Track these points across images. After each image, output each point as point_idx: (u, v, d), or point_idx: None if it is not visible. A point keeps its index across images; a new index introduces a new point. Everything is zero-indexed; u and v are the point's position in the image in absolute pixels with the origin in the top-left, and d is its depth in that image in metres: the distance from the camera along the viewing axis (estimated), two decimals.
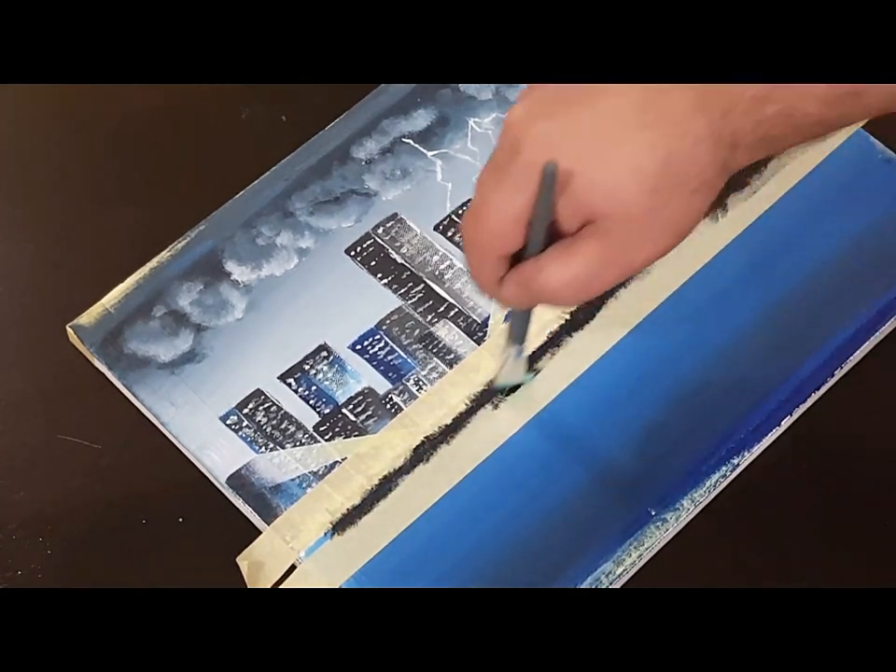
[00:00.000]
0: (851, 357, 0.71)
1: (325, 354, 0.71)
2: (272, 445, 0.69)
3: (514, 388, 0.70)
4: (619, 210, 0.53)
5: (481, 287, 0.58)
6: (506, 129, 0.54)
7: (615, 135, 0.52)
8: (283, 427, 0.69)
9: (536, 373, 0.70)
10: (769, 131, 0.53)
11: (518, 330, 0.64)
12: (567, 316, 0.71)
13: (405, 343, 0.71)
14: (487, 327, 0.72)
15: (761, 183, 0.75)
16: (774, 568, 0.67)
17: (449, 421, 0.69)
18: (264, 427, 0.69)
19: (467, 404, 0.69)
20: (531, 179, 0.53)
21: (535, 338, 0.71)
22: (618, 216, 0.53)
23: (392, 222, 0.75)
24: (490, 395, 0.69)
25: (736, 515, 0.68)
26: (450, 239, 0.74)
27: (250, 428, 0.69)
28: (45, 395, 0.72)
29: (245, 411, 0.70)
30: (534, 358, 0.70)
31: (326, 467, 0.68)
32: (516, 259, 0.56)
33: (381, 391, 0.70)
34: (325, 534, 0.66)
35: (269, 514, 0.67)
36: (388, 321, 0.72)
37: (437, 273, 0.73)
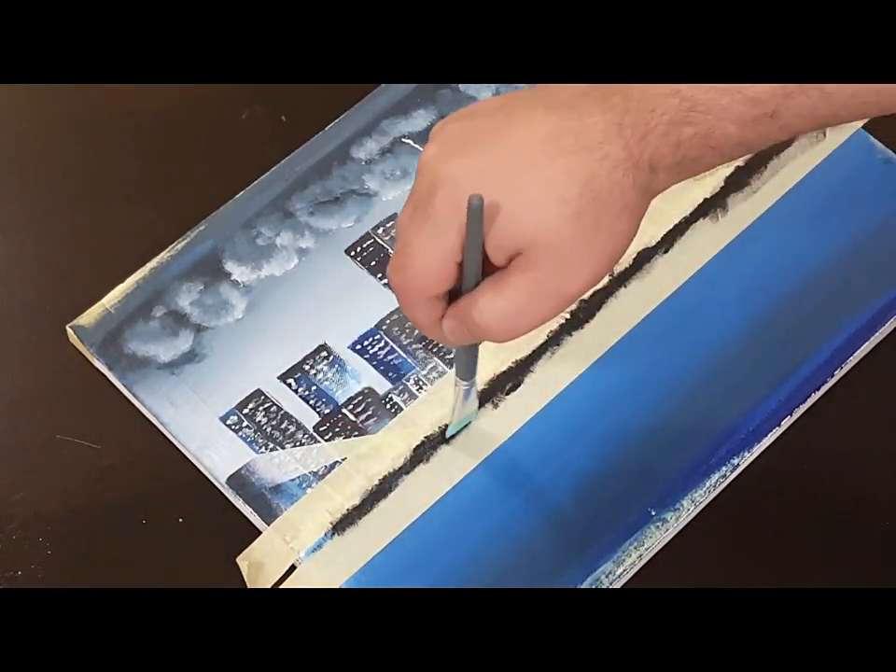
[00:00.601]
0: (851, 358, 0.71)
1: (325, 354, 0.71)
2: (272, 445, 0.69)
3: (464, 428, 0.69)
4: (544, 240, 0.52)
5: (423, 330, 0.57)
6: (421, 171, 0.54)
7: (532, 165, 0.52)
8: (283, 427, 0.69)
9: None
10: (687, 153, 0.53)
11: (466, 367, 0.63)
12: (567, 316, 0.71)
13: (405, 342, 0.71)
14: None
15: (761, 183, 0.75)
16: (773, 568, 0.67)
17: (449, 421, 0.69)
18: (264, 428, 0.69)
19: (475, 409, 0.69)
20: (453, 219, 0.52)
21: (533, 339, 0.71)
22: (544, 246, 0.52)
23: (392, 222, 0.75)
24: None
25: (736, 515, 0.68)
26: None
27: (250, 428, 0.69)
28: (45, 395, 0.72)
29: (245, 411, 0.70)
30: (532, 359, 0.70)
31: (326, 467, 0.68)
32: (454, 295, 0.55)
33: (381, 391, 0.70)
34: (325, 534, 0.66)
35: (269, 514, 0.67)
36: (388, 321, 0.72)
37: None
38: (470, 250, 0.53)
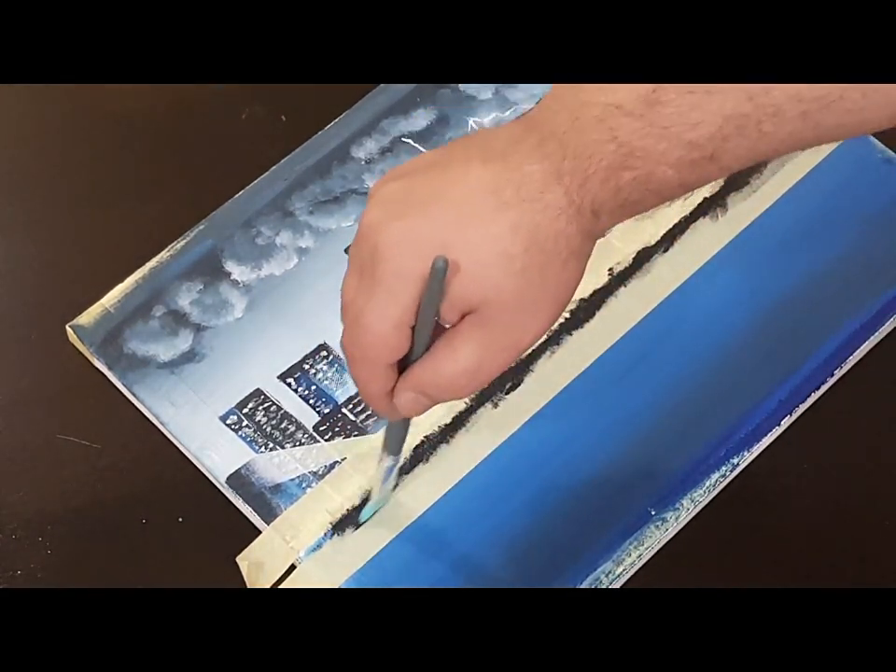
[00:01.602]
0: (851, 357, 0.71)
1: (325, 353, 0.71)
2: (271, 445, 0.69)
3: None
4: (493, 297, 0.52)
5: (371, 403, 0.56)
6: (362, 236, 0.53)
7: (475, 222, 0.51)
8: (283, 426, 0.69)
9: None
10: (628, 197, 0.52)
11: (397, 440, 0.62)
12: (567, 315, 0.72)
13: None
14: None
15: (760, 183, 0.76)
16: (774, 568, 0.67)
17: (449, 420, 0.69)
18: (264, 427, 0.69)
19: (467, 403, 0.69)
20: (402, 284, 0.52)
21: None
22: (493, 302, 0.52)
23: None
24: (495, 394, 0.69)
25: (736, 515, 0.68)
26: None
27: (250, 428, 0.69)
28: (45, 395, 0.72)
29: (245, 410, 0.70)
30: (532, 358, 0.70)
31: (325, 467, 0.68)
32: (401, 366, 0.55)
33: None
34: (325, 534, 0.66)
35: (268, 514, 0.67)
36: None
37: None
38: (427, 313, 0.52)
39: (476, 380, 0.54)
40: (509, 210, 0.51)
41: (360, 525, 0.66)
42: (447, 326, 0.53)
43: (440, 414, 0.69)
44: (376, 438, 0.69)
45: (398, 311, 0.52)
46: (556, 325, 0.71)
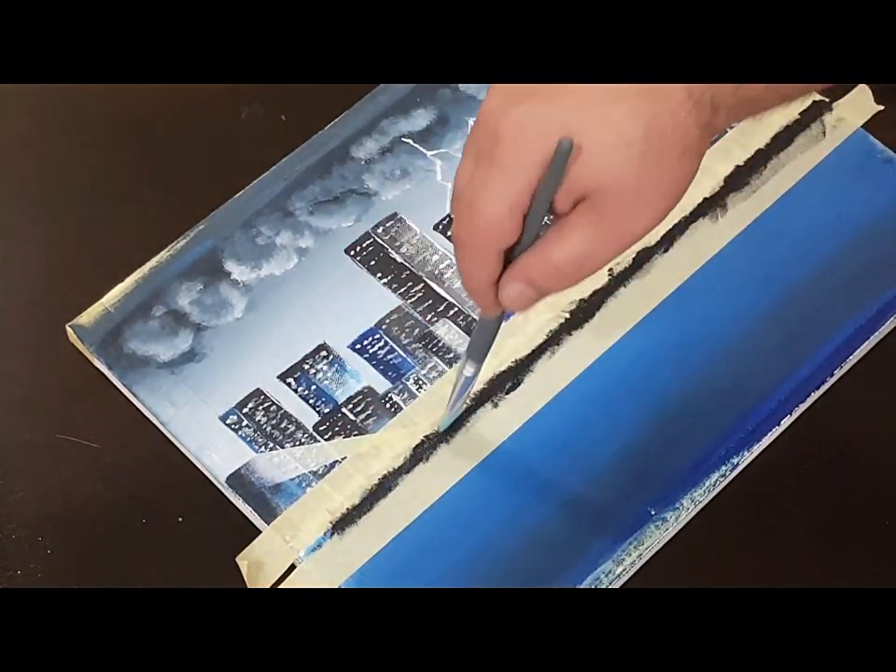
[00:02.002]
0: (851, 357, 0.71)
1: (325, 353, 0.71)
2: (271, 445, 0.69)
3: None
4: (609, 182, 0.52)
5: (475, 295, 0.56)
6: (482, 120, 0.54)
7: (596, 108, 0.52)
8: (283, 426, 0.69)
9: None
10: (748, 93, 0.53)
11: (482, 347, 0.62)
12: (567, 315, 0.72)
13: (405, 342, 0.71)
14: None
15: (760, 183, 0.76)
16: (774, 568, 0.67)
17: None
18: (264, 427, 0.69)
19: (467, 403, 0.69)
20: (523, 165, 0.52)
21: (533, 338, 0.71)
22: (609, 188, 0.52)
23: (392, 222, 0.75)
24: (488, 395, 0.69)
25: (736, 515, 0.68)
26: (450, 239, 0.74)
27: (250, 428, 0.69)
28: (45, 395, 0.72)
29: (245, 410, 0.70)
30: (532, 358, 0.70)
31: (325, 466, 0.68)
32: (506, 259, 0.55)
33: (380, 390, 0.70)
34: (325, 534, 0.66)
35: (269, 514, 0.67)
36: (388, 321, 0.72)
37: (436, 272, 0.73)
38: (543, 197, 0.52)
39: (585, 269, 0.54)
40: (629, 98, 0.52)
41: (446, 436, 0.68)
42: (557, 215, 0.54)
43: (439, 415, 0.69)
44: (376, 437, 0.69)
45: (514, 194, 0.52)
46: (556, 325, 0.71)
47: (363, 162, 0.77)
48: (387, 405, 0.70)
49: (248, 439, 0.69)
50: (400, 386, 0.70)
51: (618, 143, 0.52)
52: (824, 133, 0.77)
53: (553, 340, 0.71)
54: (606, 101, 0.52)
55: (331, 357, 0.71)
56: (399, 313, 0.72)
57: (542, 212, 0.53)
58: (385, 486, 0.67)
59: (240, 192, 0.76)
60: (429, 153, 0.77)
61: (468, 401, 0.69)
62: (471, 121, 0.77)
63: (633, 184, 0.52)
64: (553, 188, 0.52)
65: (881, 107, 0.77)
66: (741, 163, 0.76)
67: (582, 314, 0.72)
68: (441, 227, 0.75)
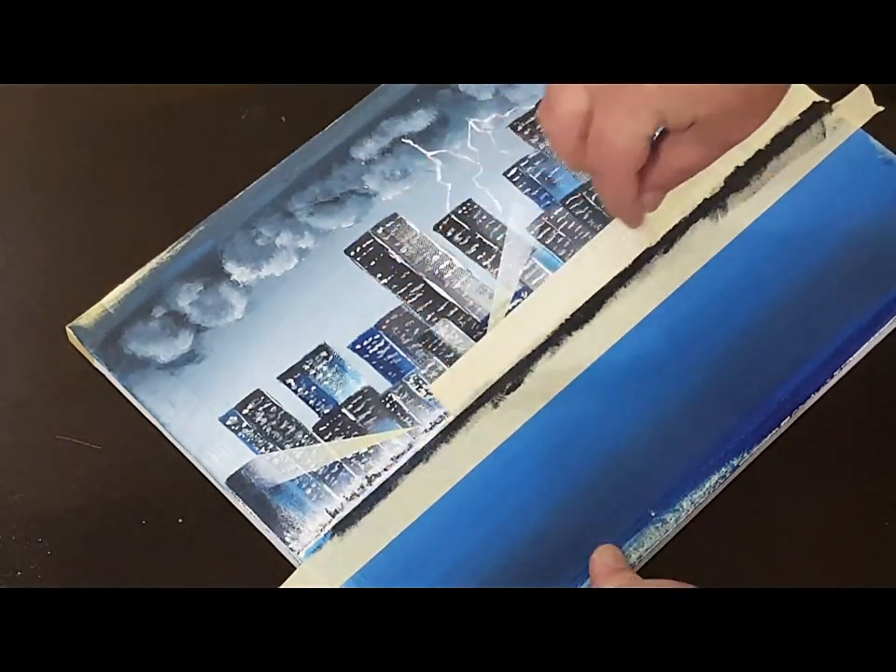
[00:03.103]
0: (851, 358, 0.71)
1: (324, 354, 0.71)
2: (271, 446, 0.69)
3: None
4: (718, 111, 0.58)
5: (622, 212, 0.64)
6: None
7: None
8: (283, 427, 0.69)
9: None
10: None
11: None
12: (567, 316, 0.71)
13: (405, 342, 0.71)
14: (487, 326, 0.72)
15: (760, 183, 0.76)
16: (774, 568, 0.67)
17: (449, 420, 0.69)
18: (264, 428, 0.69)
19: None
20: (645, 97, 0.57)
21: (533, 336, 0.71)
22: (718, 115, 0.58)
23: (392, 222, 0.75)
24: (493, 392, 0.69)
25: (736, 516, 0.68)
26: (449, 239, 0.74)
27: (250, 429, 0.69)
28: (45, 395, 0.72)
29: (245, 411, 0.70)
30: (532, 359, 0.70)
31: (325, 467, 0.68)
32: None
33: (380, 391, 0.70)
34: (325, 534, 0.66)
35: (268, 515, 0.67)
36: (388, 321, 0.72)
37: (436, 272, 0.73)
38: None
39: (699, 168, 0.63)
40: None
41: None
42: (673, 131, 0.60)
43: (440, 414, 0.69)
44: (376, 437, 0.69)
45: (643, 125, 0.58)
46: (556, 325, 0.71)
47: (363, 163, 0.77)
48: (387, 405, 0.70)
49: (248, 440, 0.69)
50: (400, 386, 0.70)
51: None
52: (824, 133, 0.77)
53: (553, 340, 0.71)
54: None
55: (331, 357, 0.71)
56: (399, 313, 0.72)
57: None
58: (385, 487, 0.67)
59: (240, 193, 0.76)
60: (429, 154, 0.77)
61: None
62: (471, 122, 0.78)
63: (735, 107, 0.58)
64: None
65: (881, 108, 0.77)
66: (741, 164, 0.76)
67: (583, 314, 0.72)
68: (440, 227, 0.75)
